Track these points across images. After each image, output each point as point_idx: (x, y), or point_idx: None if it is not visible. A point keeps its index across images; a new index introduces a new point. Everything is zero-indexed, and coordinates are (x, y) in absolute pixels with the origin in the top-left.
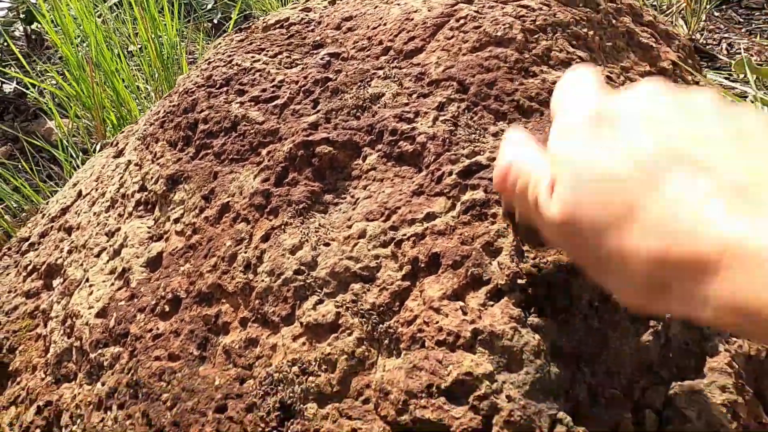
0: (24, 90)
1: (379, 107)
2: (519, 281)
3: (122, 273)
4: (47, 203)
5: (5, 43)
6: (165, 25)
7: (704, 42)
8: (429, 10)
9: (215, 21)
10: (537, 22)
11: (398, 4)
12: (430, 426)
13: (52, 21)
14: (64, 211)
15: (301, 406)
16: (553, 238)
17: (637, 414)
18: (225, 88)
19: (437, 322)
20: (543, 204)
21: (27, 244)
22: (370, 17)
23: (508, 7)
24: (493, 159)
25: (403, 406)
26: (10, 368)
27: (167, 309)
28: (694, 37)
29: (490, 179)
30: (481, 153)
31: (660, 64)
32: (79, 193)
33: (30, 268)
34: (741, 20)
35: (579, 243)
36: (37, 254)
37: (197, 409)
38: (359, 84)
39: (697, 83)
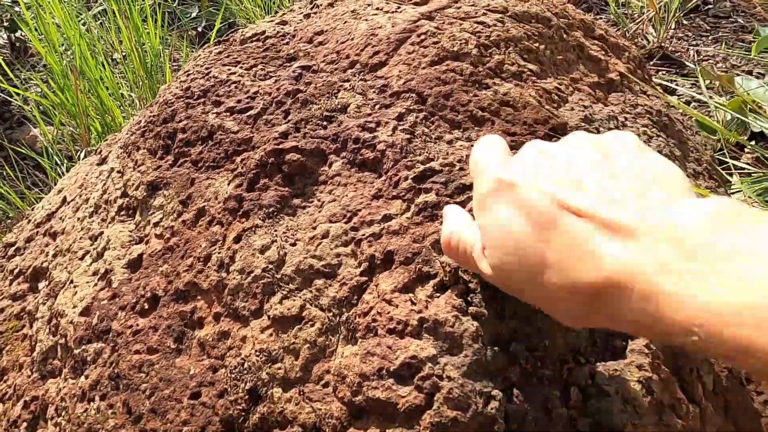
0: (8, 98)
1: (344, 117)
2: (462, 275)
3: (105, 274)
4: (33, 209)
5: None
6: (148, 33)
7: (673, 49)
8: (393, 26)
9: (199, 29)
10: (491, 38)
11: (365, 20)
12: (380, 404)
13: (36, 29)
14: (50, 216)
15: (268, 390)
16: (494, 282)
17: (564, 392)
18: (202, 99)
19: (389, 313)
20: (480, 265)
21: (13, 249)
22: (339, 32)
23: (466, 23)
24: (446, 164)
25: (357, 388)
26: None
27: (146, 306)
28: (663, 44)
29: (443, 183)
30: (435, 159)
31: (608, 75)
32: (64, 200)
33: (16, 271)
34: (708, 28)
35: (514, 288)
36: (23, 258)
37: (173, 397)
38: (327, 95)
39: (644, 93)
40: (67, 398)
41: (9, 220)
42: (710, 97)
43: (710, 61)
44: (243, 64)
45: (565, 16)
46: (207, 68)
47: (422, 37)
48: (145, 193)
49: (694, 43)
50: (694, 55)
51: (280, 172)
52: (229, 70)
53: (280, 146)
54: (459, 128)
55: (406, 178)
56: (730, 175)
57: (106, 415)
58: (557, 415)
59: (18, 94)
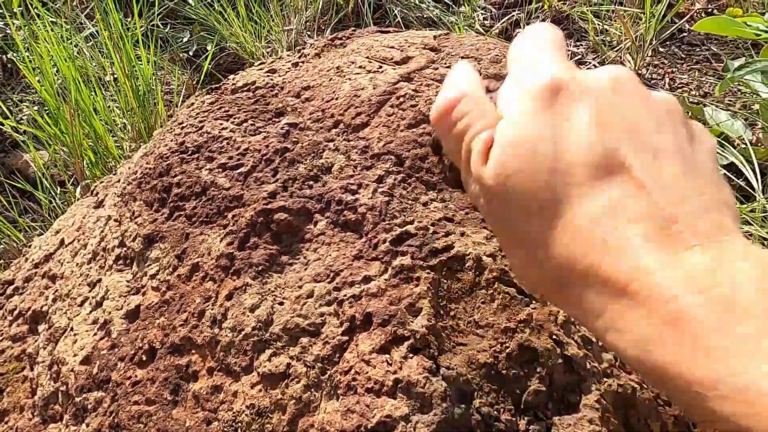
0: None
1: (329, 177)
2: (431, 339)
3: (104, 324)
4: (30, 246)
5: None
6: (140, 59)
7: (649, 77)
8: (374, 88)
9: (190, 53)
10: None
11: (349, 79)
12: None
13: (27, 49)
14: (47, 258)
15: None
16: (475, 195)
17: None
18: (196, 155)
19: (367, 373)
20: (474, 162)
21: (11, 288)
22: (325, 89)
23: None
24: (421, 228)
25: None
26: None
27: (144, 358)
28: (640, 72)
29: (417, 246)
30: (411, 223)
31: None
32: (62, 242)
33: (16, 312)
34: (683, 56)
35: (501, 212)
36: (22, 299)
37: None
38: (313, 155)
39: None
40: None
41: (6, 254)
42: None
43: (684, 88)
44: (234, 118)
45: None
46: (200, 122)
47: (401, 99)
48: (141, 246)
49: (669, 70)
50: (668, 83)
51: (269, 230)
52: (221, 125)
53: (269, 206)
54: (434, 189)
55: (384, 241)
56: None
57: None
58: None
59: (10, 116)
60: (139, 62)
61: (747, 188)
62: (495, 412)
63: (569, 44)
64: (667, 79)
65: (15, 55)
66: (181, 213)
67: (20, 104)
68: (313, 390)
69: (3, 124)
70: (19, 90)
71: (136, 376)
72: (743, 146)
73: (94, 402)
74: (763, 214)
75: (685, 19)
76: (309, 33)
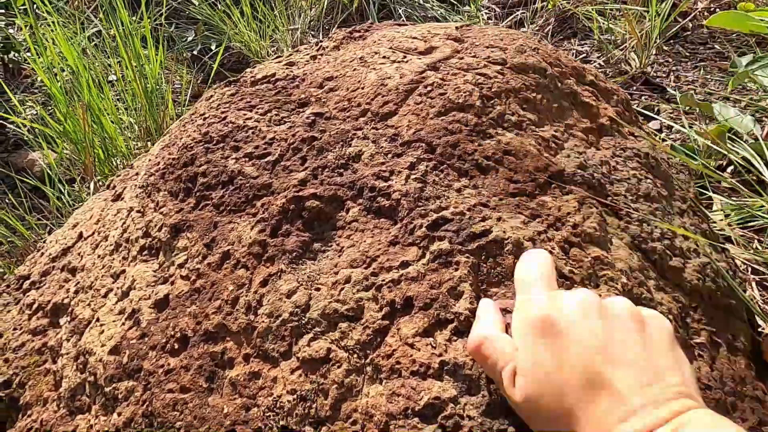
0: (3, 121)
1: (359, 165)
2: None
3: (132, 314)
4: (44, 241)
5: None
6: (148, 58)
7: (655, 74)
8: (401, 77)
9: (195, 52)
10: (493, 89)
11: (374, 69)
12: None
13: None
14: (66, 251)
15: (300, 429)
16: (515, 407)
17: None
18: (221, 145)
19: (411, 356)
20: (507, 387)
21: (28, 282)
22: (349, 79)
23: (469, 75)
24: (457, 213)
25: (384, 427)
26: (21, 402)
27: (177, 347)
28: (645, 70)
29: (454, 231)
30: (446, 209)
31: (599, 120)
32: (80, 235)
33: (35, 306)
34: (687, 54)
35: (533, 418)
36: (41, 293)
37: None
38: (341, 143)
39: (633, 134)
40: None
41: (16, 250)
42: (690, 126)
43: (690, 86)
44: (257, 108)
45: (559, 65)
46: (223, 113)
47: (429, 88)
48: (168, 235)
49: (674, 68)
50: (674, 80)
51: (301, 218)
52: (245, 115)
53: (300, 193)
54: (466, 176)
55: (420, 226)
56: (710, 198)
57: None
58: None
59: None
60: (147, 59)
61: (755, 183)
62: None
63: (574, 43)
64: (672, 77)
65: (19, 55)
66: (208, 202)
67: (23, 104)
68: (355, 374)
69: (13, 123)
70: (21, 90)
71: (168, 365)
72: (753, 141)
73: (125, 391)
74: None
75: (689, 17)
76: (313, 33)
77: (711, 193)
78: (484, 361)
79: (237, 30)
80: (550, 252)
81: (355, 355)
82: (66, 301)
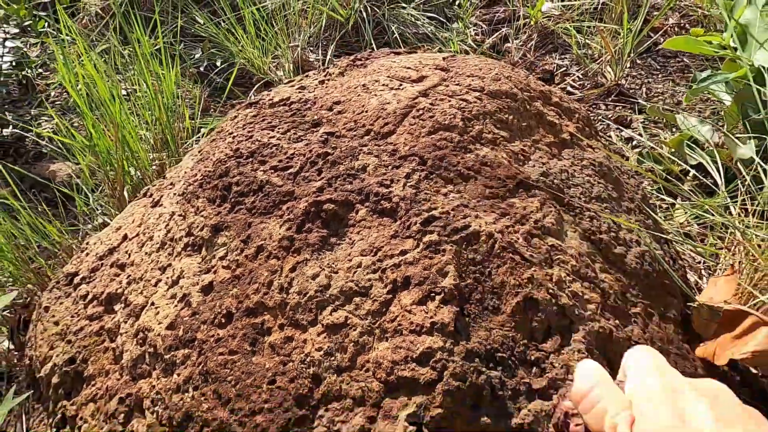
0: (23, 133)
1: (365, 175)
2: (458, 292)
3: (183, 297)
4: (86, 243)
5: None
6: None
7: (628, 87)
8: (398, 102)
9: (201, 68)
10: (473, 112)
11: (375, 95)
12: (407, 380)
13: (60, 70)
14: (112, 251)
15: (326, 375)
16: None
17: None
18: (250, 159)
19: (410, 319)
20: (622, 430)
21: (78, 278)
22: (354, 103)
23: (453, 100)
24: (444, 212)
25: (390, 371)
26: (84, 374)
27: (223, 321)
28: (620, 82)
29: (442, 226)
30: (435, 209)
31: (561, 135)
32: (125, 236)
33: (89, 297)
34: (658, 67)
35: None
36: (93, 286)
37: (254, 384)
38: (350, 157)
39: (591, 147)
40: (162, 392)
41: (43, 253)
42: (655, 135)
43: (660, 97)
44: (278, 128)
45: (528, 89)
46: (249, 132)
47: (420, 111)
48: (209, 234)
49: (646, 80)
50: (645, 92)
51: (320, 218)
52: (268, 134)
53: (318, 198)
54: (451, 183)
55: (415, 223)
56: (675, 198)
57: (200, 401)
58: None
59: (30, 129)
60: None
61: (712, 185)
62: (509, 341)
63: (555, 57)
64: (644, 89)
65: (33, 71)
66: (242, 206)
67: (38, 118)
68: (366, 335)
69: (31, 135)
70: (35, 105)
71: (218, 335)
72: (710, 148)
73: (182, 357)
74: (725, 204)
75: (660, 33)
76: (312, 49)
77: (663, 195)
78: (591, 406)
79: (241, 47)
80: (516, 240)
81: (367, 321)
82: (119, 291)
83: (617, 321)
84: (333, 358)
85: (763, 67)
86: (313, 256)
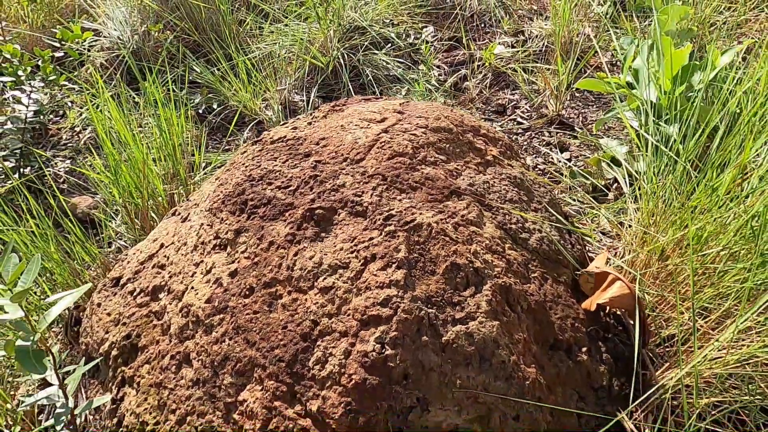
0: (43, 171)
1: (344, 189)
2: (407, 261)
3: (216, 281)
4: (125, 254)
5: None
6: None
7: (568, 116)
8: (366, 138)
9: (200, 111)
10: (420, 142)
11: (350, 132)
12: (375, 317)
13: (93, 118)
14: (151, 257)
15: (321, 320)
16: None
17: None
18: (260, 181)
19: (375, 280)
20: None
21: (123, 280)
22: (335, 139)
23: (406, 135)
24: (398, 211)
25: (363, 313)
26: (139, 345)
27: (248, 293)
28: (561, 113)
29: (397, 220)
30: (393, 209)
31: (486, 157)
32: (161, 245)
33: (137, 291)
34: (593, 99)
35: None
36: (139, 283)
37: (272, 330)
38: (333, 177)
39: (510, 165)
40: (205, 345)
41: (88, 269)
42: (588, 156)
43: (594, 124)
44: (279, 159)
45: (462, 125)
46: (257, 162)
47: (383, 143)
48: (233, 236)
49: (583, 111)
50: (581, 121)
51: (313, 220)
52: (272, 163)
53: (312, 206)
54: (404, 193)
55: (379, 220)
56: (602, 202)
57: (233, 346)
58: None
59: (49, 169)
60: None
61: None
62: (441, 291)
63: (507, 93)
64: (580, 118)
65: (45, 117)
66: (256, 215)
67: (52, 159)
68: (347, 293)
69: (49, 174)
70: (49, 147)
71: (244, 302)
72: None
73: (218, 320)
74: (622, 207)
75: (593, 68)
76: (297, 91)
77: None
78: None
79: (234, 91)
80: (448, 227)
81: (347, 284)
82: (162, 283)
83: (518, 280)
84: (325, 308)
85: (651, 101)
86: (310, 245)
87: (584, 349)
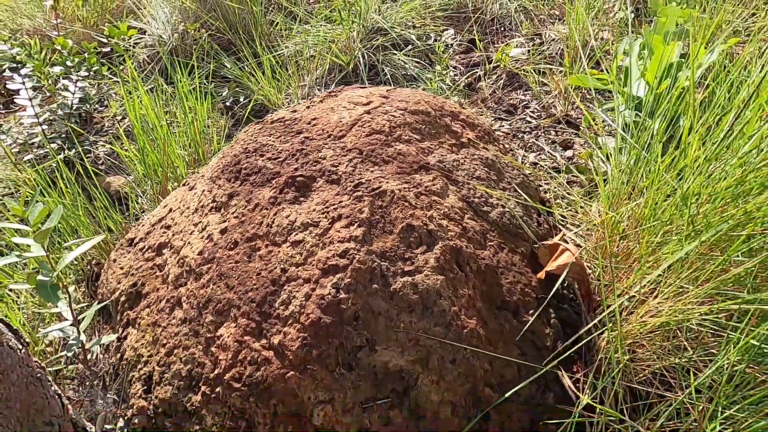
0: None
1: (324, 162)
2: (368, 221)
3: (208, 236)
4: (140, 220)
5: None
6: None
7: (576, 116)
8: (350, 117)
9: (228, 103)
10: (397, 122)
11: (337, 113)
12: (333, 267)
13: (127, 107)
14: (160, 220)
15: (289, 269)
16: None
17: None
18: (254, 153)
19: (338, 236)
20: None
21: (136, 239)
22: (324, 119)
23: (386, 116)
24: (367, 180)
25: (325, 263)
26: (142, 292)
27: (232, 246)
28: (568, 113)
29: (366, 188)
30: (363, 179)
31: (461, 140)
32: (170, 209)
33: (145, 248)
34: (603, 100)
35: None
36: (147, 242)
37: (248, 276)
38: (316, 151)
39: (485, 148)
40: (194, 290)
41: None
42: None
43: (601, 124)
44: (273, 135)
45: (441, 110)
46: (254, 137)
47: (363, 123)
48: (226, 199)
49: (591, 111)
50: (587, 121)
51: (294, 186)
52: (267, 138)
53: (294, 174)
54: (377, 165)
55: (350, 186)
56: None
57: (215, 290)
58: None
59: (90, 151)
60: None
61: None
62: (395, 248)
63: (519, 93)
64: (585, 118)
65: (90, 106)
66: (247, 181)
67: (95, 144)
68: (314, 246)
69: (89, 157)
70: (93, 133)
71: (228, 254)
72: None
73: (206, 269)
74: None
75: (601, 68)
76: (318, 87)
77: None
78: None
79: (260, 86)
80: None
81: (315, 239)
82: (166, 241)
83: (471, 245)
84: (294, 259)
85: (637, 96)
86: (288, 206)
87: (531, 312)
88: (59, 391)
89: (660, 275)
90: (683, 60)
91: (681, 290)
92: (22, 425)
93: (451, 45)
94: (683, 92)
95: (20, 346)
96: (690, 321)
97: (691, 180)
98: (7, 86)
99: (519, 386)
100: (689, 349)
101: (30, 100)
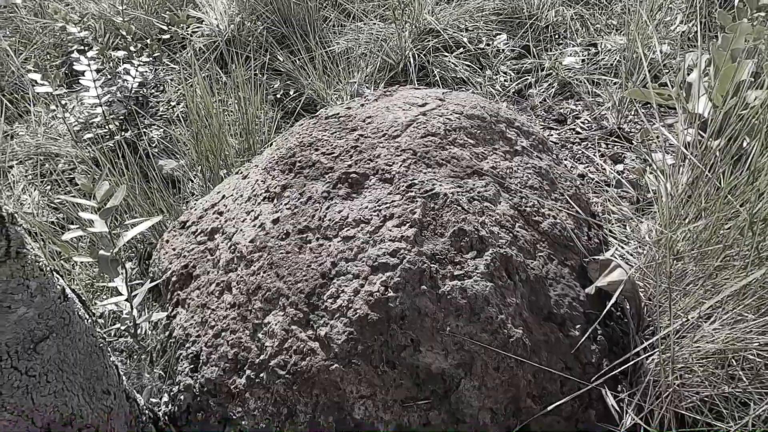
0: (137, 139)
1: (378, 159)
2: (419, 222)
3: (260, 225)
4: (193, 204)
5: (130, 107)
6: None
7: (629, 130)
8: (405, 118)
9: (278, 96)
10: (452, 126)
11: (392, 113)
12: (384, 264)
13: (186, 93)
14: (213, 206)
15: (340, 263)
16: None
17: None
18: (309, 147)
19: (390, 234)
20: None
21: (188, 223)
22: (379, 118)
23: (441, 119)
24: (420, 181)
25: (375, 260)
26: (193, 274)
27: (284, 237)
28: (621, 125)
29: (418, 189)
30: (416, 180)
31: (515, 147)
32: (223, 196)
33: (198, 231)
34: (661, 113)
35: None
36: (200, 226)
37: (299, 268)
38: (371, 149)
39: (539, 157)
40: (244, 276)
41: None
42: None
43: (656, 140)
44: (327, 130)
45: (496, 116)
46: (309, 131)
47: (418, 124)
48: (280, 190)
49: (643, 127)
50: (641, 135)
51: (347, 182)
52: (323, 134)
53: (347, 171)
54: (430, 168)
55: (403, 186)
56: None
57: (265, 278)
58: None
59: (145, 134)
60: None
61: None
62: (445, 251)
63: (570, 103)
64: (642, 132)
65: (147, 91)
66: (301, 174)
67: (150, 126)
68: (365, 243)
69: (143, 140)
70: (149, 116)
71: (280, 244)
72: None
73: (257, 256)
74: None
75: (659, 82)
76: (367, 85)
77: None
78: None
79: (310, 81)
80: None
81: (366, 236)
82: (218, 226)
83: (521, 254)
84: (344, 254)
85: (701, 115)
86: (341, 202)
87: (578, 326)
88: (116, 362)
89: (719, 301)
90: (754, 80)
91: (739, 317)
92: (84, 390)
93: (503, 50)
94: (753, 113)
95: (87, 317)
96: (748, 351)
97: (759, 205)
98: (74, 67)
99: (563, 400)
100: (744, 379)
101: (94, 81)
